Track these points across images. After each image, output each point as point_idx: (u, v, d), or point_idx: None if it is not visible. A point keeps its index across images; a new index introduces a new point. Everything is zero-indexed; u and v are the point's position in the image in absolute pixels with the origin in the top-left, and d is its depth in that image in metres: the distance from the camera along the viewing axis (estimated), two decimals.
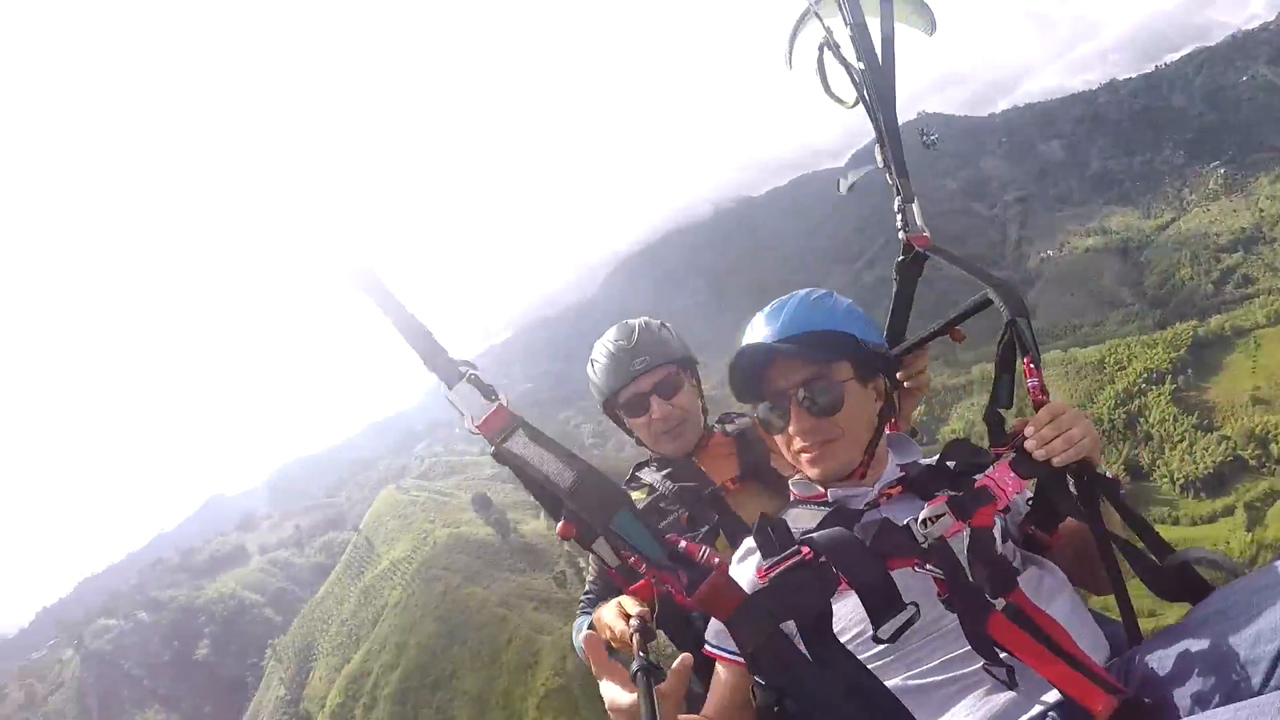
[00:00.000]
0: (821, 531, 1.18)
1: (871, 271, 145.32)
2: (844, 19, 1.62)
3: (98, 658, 72.76)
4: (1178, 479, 61.66)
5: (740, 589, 1.04)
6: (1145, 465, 64.53)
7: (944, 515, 1.14)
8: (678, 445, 1.92)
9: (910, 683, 1.17)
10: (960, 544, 1.14)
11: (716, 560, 1.04)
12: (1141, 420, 68.16)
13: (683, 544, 1.04)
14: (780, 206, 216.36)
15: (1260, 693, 0.95)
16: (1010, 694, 1.11)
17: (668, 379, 1.91)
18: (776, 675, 1.02)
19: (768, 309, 1.45)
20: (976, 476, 1.20)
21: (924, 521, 1.14)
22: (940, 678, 1.16)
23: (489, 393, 1.10)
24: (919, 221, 1.52)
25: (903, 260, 1.53)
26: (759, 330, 1.42)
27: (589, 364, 2.00)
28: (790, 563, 1.11)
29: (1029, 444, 1.17)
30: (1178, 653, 1.06)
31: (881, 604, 1.07)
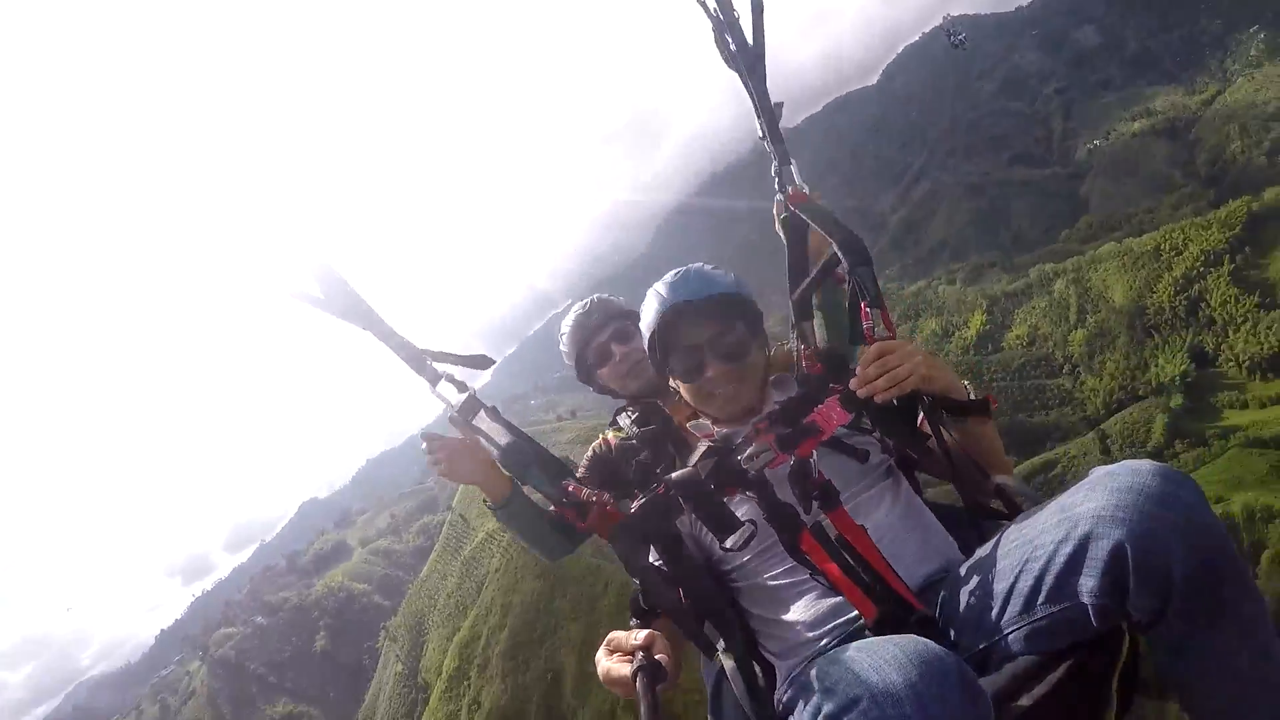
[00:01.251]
0: (678, 472, 1.50)
1: (919, 186, 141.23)
2: None
3: (223, 664, 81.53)
4: (1243, 361, 61.20)
5: (613, 519, 1.49)
6: (1210, 350, 64.07)
7: (766, 450, 1.45)
8: (642, 383, 2.27)
9: (765, 583, 1.53)
10: (784, 472, 1.44)
11: (595, 499, 1.51)
12: (1203, 305, 66.59)
13: (571, 488, 1.53)
14: (818, 134, 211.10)
15: (998, 623, 1.21)
16: (837, 598, 1.39)
17: (622, 328, 2.31)
18: (634, 573, 1.47)
19: (669, 279, 1.75)
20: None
21: (749, 456, 1.45)
22: (784, 581, 1.50)
23: (461, 386, 1.65)
24: (797, 180, 1.69)
25: (784, 218, 1.74)
26: (668, 294, 1.71)
27: (560, 345, 2.43)
28: (649, 497, 1.47)
29: (852, 383, 1.40)
30: (967, 574, 1.33)
31: (717, 525, 1.40)
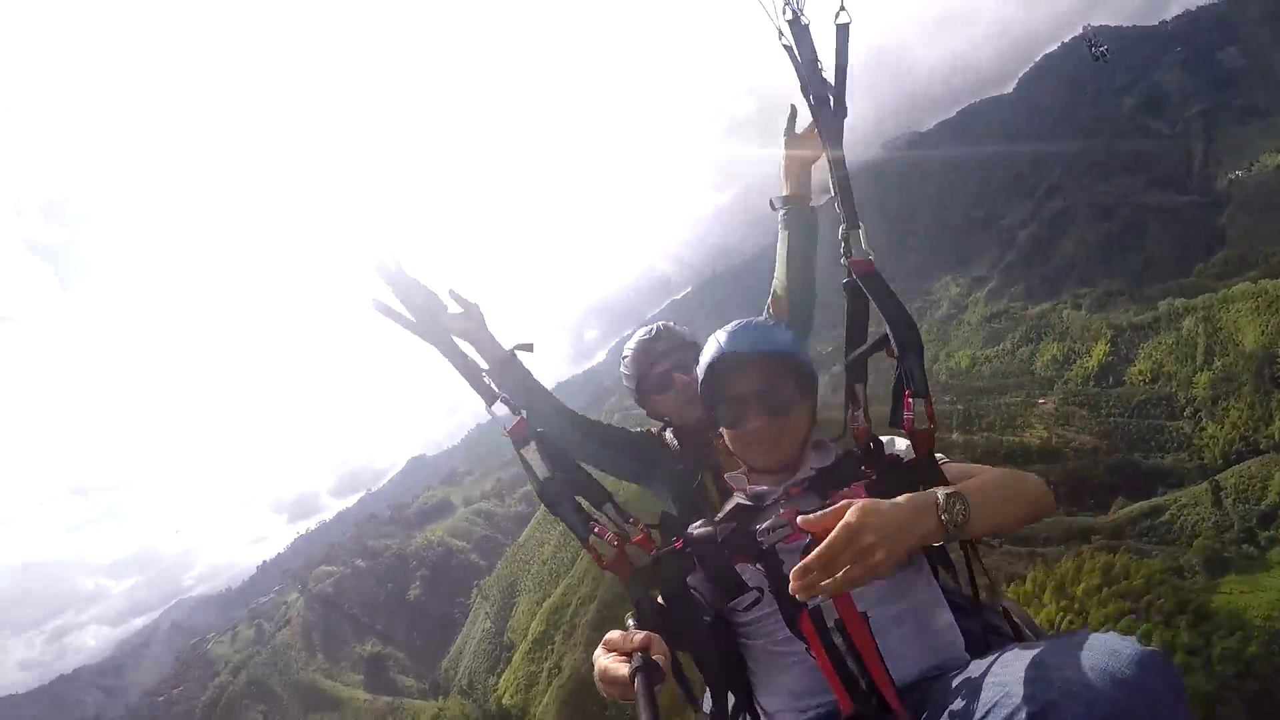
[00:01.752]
0: (699, 528, 1.71)
1: (1051, 203, 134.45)
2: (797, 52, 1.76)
3: (320, 599, 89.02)
4: None
5: (631, 564, 1.61)
6: None
7: (784, 526, 1.56)
8: (697, 414, 2.27)
9: (767, 645, 1.66)
10: (799, 547, 1.49)
11: (616, 542, 1.61)
12: None
13: (598, 530, 1.62)
14: (951, 139, 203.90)
15: None
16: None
17: (684, 359, 2.42)
18: (645, 620, 1.53)
19: (731, 329, 1.87)
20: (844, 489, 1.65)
21: (766, 530, 1.58)
22: (784, 649, 1.61)
23: (515, 410, 1.77)
24: (864, 246, 1.70)
25: (847, 283, 1.74)
26: (725, 344, 1.82)
27: (621, 367, 2.58)
28: (667, 550, 1.65)
29: (792, 574, 1.24)
30: (955, 689, 1.36)
31: (724, 587, 1.61)
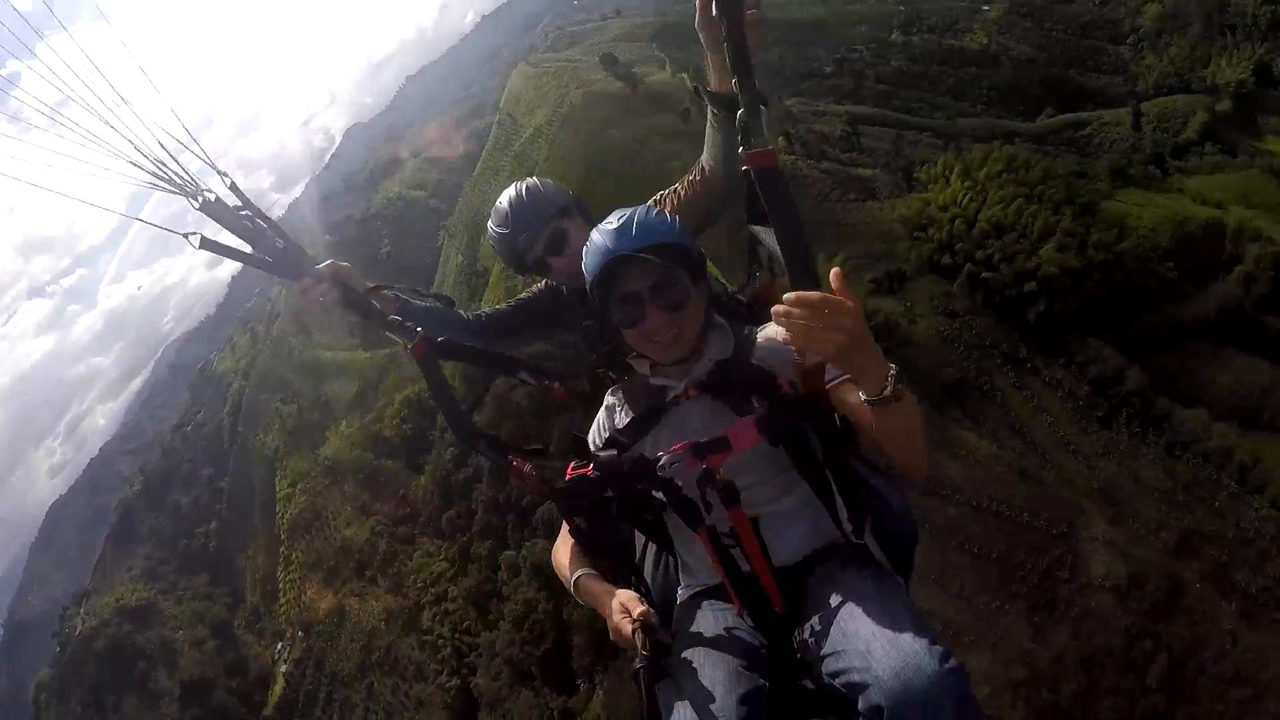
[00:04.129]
0: (604, 453, 2.18)
1: None
2: None
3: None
4: None
5: (551, 486, 2.23)
6: (1276, 73, 66.39)
7: (679, 460, 1.99)
8: (584, 280, 2.55)
9: (678, 526, 2.18)
10: (695, 474, 2.00)
11: (527, 468, 2.24)
12: None
13: (515, 463, 2.27)
14: None
15: (817, 660, 1.90)
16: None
17: (554, 236, 2.77)
18: (574, 523, 2.29)
19: (613, 224, 2.10)
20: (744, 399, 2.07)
21: (665, 465, 2.00)
22: (699, 549, 2.15)
23: (411, 331, 2.31)
24: (765, 133, 1.76)
25: (743, 173, 1.83)
26: (610, 244, 2.06)
27: (491, 242, 2.96)
28: (580, 473, 2.11)
29: (775, 309, 1.69)
30: (827, 610, 1.95)
31: (630, 505, 2.14)
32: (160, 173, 1.96)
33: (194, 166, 2.04)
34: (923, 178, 46.19)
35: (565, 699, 38.28)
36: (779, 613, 2.09)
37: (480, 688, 43.34)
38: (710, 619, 2.16)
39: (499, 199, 2.91)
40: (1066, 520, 31.03)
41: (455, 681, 45.71)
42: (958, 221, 41.15)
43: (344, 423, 67.74)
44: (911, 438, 1.93)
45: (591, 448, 2.35)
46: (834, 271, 1.69)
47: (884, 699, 1.63)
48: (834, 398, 2.02)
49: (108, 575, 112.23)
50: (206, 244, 2.11)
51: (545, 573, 40.24)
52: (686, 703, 1.87)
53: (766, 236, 1.99)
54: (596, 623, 40.36)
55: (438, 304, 2.95)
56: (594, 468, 2.12)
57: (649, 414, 2.21)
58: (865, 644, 1.76)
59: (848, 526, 2.10)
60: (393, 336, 2.40)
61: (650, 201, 2.81)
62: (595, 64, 75.43)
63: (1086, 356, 38.36)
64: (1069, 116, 67.47)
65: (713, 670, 1.94)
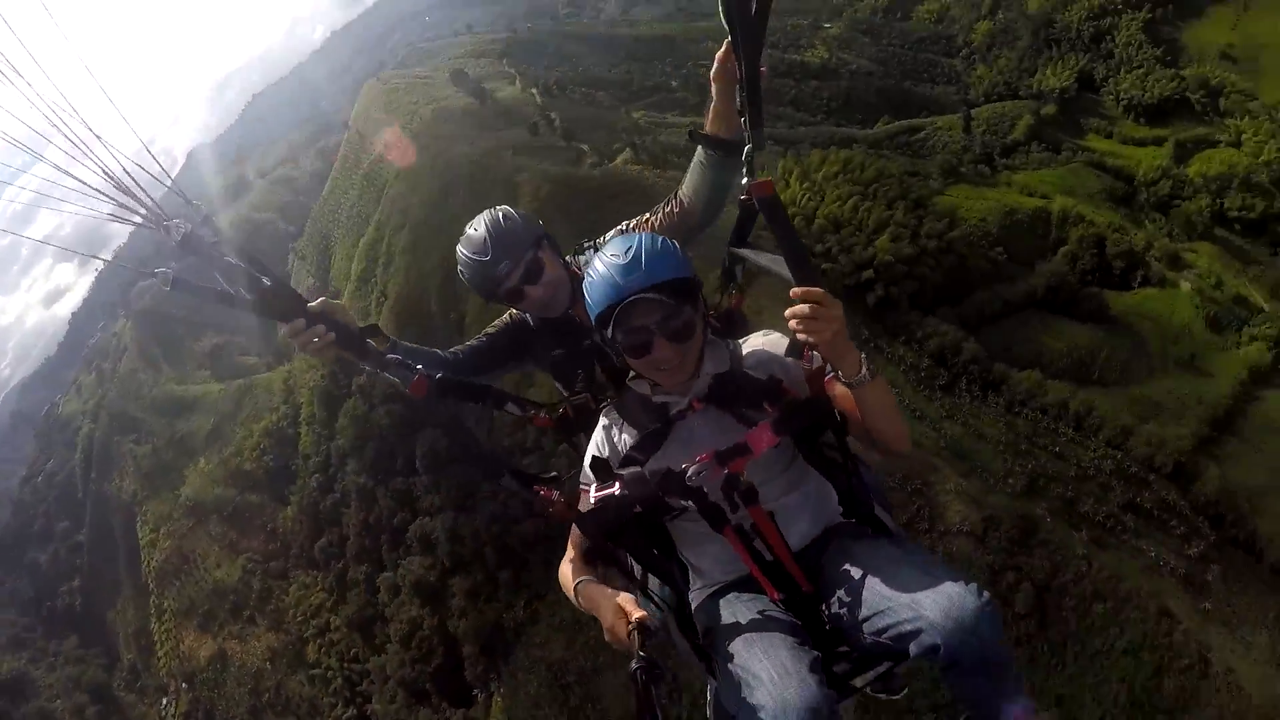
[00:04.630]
0: (628, 471, 2.27)
1: None
2: None
3: (147, 315, 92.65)
4: (1123, 100, 73.73)
5: (578, 512, 2.36)
6: (1098, 80, 76.80)
7: (706, 470, 2.20)
8: (558, 308, 2.94)
9: (695, 530, 2.37)
10: (719, 480, 2.22)
11: (555, 495, 2.49)
12: (1108, 38, 77.32)
13: (543, 492, 2.49)
14: None
15: (857, 625, 2.16)
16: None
17: (530, 266, 2.84)
18: (593, 542, 2.43)
19: (621, 258, 2.22)
20: (750, 414, 2.33)
21: (694, 475, 2.20)
22: (709, 532, 2.30)
23: (410, 369, 2.50)
24: (761, 170, 1.98)
25: (743, 200, 2.33)
26: (621, 280, 2.20)
27: (459, 270, 2.94)
28: (606, 493, 2.22)
29: (787, 313, 2.05)
30: (845, 574, 2.26)
31: (656, 511, 2.25)
32: (132, 206, 1.90)
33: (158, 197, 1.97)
34: (765, 175, 48.69)
35: (464, 711, 38.84)
36: (806, 592, 2.34)
37: (377, 714, 43.14)
38: (741, 609, 2.36)
39: (472, 225, 2.91)
40: (920, 478, 33.27)
41: (351, 712, 45.26)
42: (797, 219, 43.50)
43: (202, 460, 65.28)
44: (891, 411, 2.29)
45: (589, 469, 2.42)
46: (819, 291, 2.06)
47: (941, 637, 1.94)
48: (828, 394, 2.30)
49: None
50: (179, 284, 2.03)
51: (425, 590, 40.56)
52: (764, 684, 2.02)
53: (752, 255, 2.53)
54: (483, 632, 41.79)
55: (420, 346, 2.98)
56: (621, 486, 2.23)
57: (658, 430, 2.38)
58: (911, 597, 2.02)
59: (859, 506, 2.41)
60: (389, 377, 2.51)
61: (620, 228, 3.02)
62: (445, 80, 75.45)
63: (925, 332, 41.58)
64: (904, 123, 73.15)
65: (773, 651, 2.11)
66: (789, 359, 2.34)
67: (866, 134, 70.71)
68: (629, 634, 2.11)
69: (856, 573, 2.24)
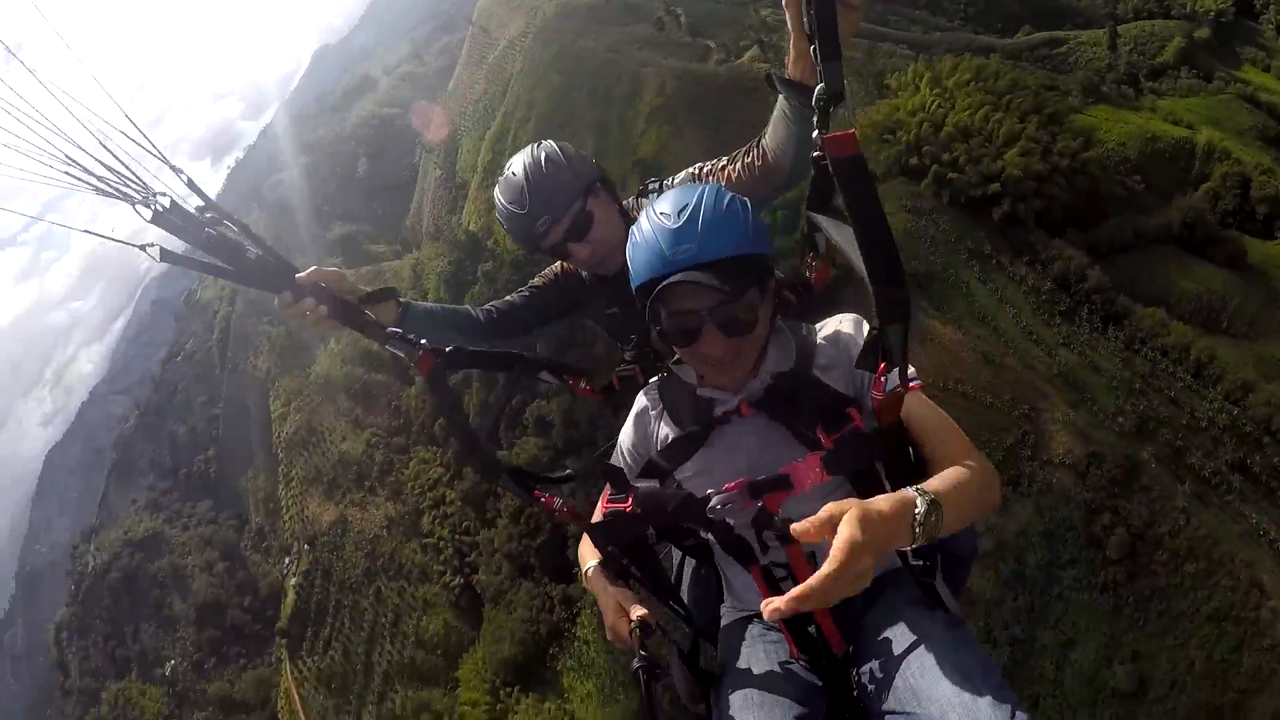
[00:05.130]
0: (645, 485, 2.00)
1: None
2: None
3: (279, 207, 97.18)
4: None
5: (584, 521, 2.07)
6: (1258, 5, 68.72)
7: (733, 503, 1.84)
8: (613, 265, 2.54)
9: (732, 574, 2.15)
10: (750, 514, 1.87)
11: (556, 503, 2.05)
12: None
13: (543, 499, 2.05)
14: None
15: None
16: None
17: (576, 222, 2.47)
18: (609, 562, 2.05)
19: (673, 221, 1.76)
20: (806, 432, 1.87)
21: (716, 508, 1.85)
22: (743, 575, 2.05)
23: (414, 344, 2.04)
24: (847, 114, 1.59)
25: (817, 159, 1.69)
26: (667, 250, 1.75)
27: (497, 216, 2.63)
28: (617, 509, 1.98)
29: (794, 528, 1.39)
30: (887, 658, 1.78)
31: (673, 538, 2.04)
32: (103, 179, 1.68)
33: (141, 162, 1.75)
34: (893, 85, 46.94)
35: (564, 586, 40.78)
36: (838, 653, 1.98)
37: (483, 584, 45.93)
38: (761, 653, 2.04)
39: (510, 166, 2.60)
40: (1028, 403, 32.51)
41: (459, 580, 48.42)
42: (925, 125, 41.85)
43: (333, 340, 68.64)
44: (967, 516, 1.67)
45: (621, 459, 2.19)
46: (819, 521, 1.38)
47: None
48: (912, 430, 1.79)
49: (113, 511, 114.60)
50: (168, 256, 1.84)
51: (538, 469, 42.32)
52: None
53: (829, 226, 1.83)
54: (588, 511, 42.82)
55: (445, 306, 2.67)
56: (634, 503, 1.97)
57: (695, 434, 2.00)
58: (940, 709, 1.61)
59: (915, 563, 1.89)
60: (394, 351, 2.10)
61: (691, 172, 2.59)
62: None
63: (1050, 255, 39.67)
64: (1045, 35, 67.94)
65: (768, 714, 1.87)
66: (859, 371, 1.80)
67: (1005, 43, 65.95)
68: (630, 632, 1.96)
69: (897, 647, 1.81)
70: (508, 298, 2.86)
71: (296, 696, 59.29)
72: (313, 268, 2.12)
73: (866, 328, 1.93)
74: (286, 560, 72.87)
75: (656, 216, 1.81)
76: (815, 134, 1.60)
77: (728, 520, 1.91)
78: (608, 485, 2.13)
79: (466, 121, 69.08)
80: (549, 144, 2.62)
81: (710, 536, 1.97)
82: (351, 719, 53.32)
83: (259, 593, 77.70)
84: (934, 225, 39.20)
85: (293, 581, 68.70)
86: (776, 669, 2.00)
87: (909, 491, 1.48)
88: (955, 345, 34.50)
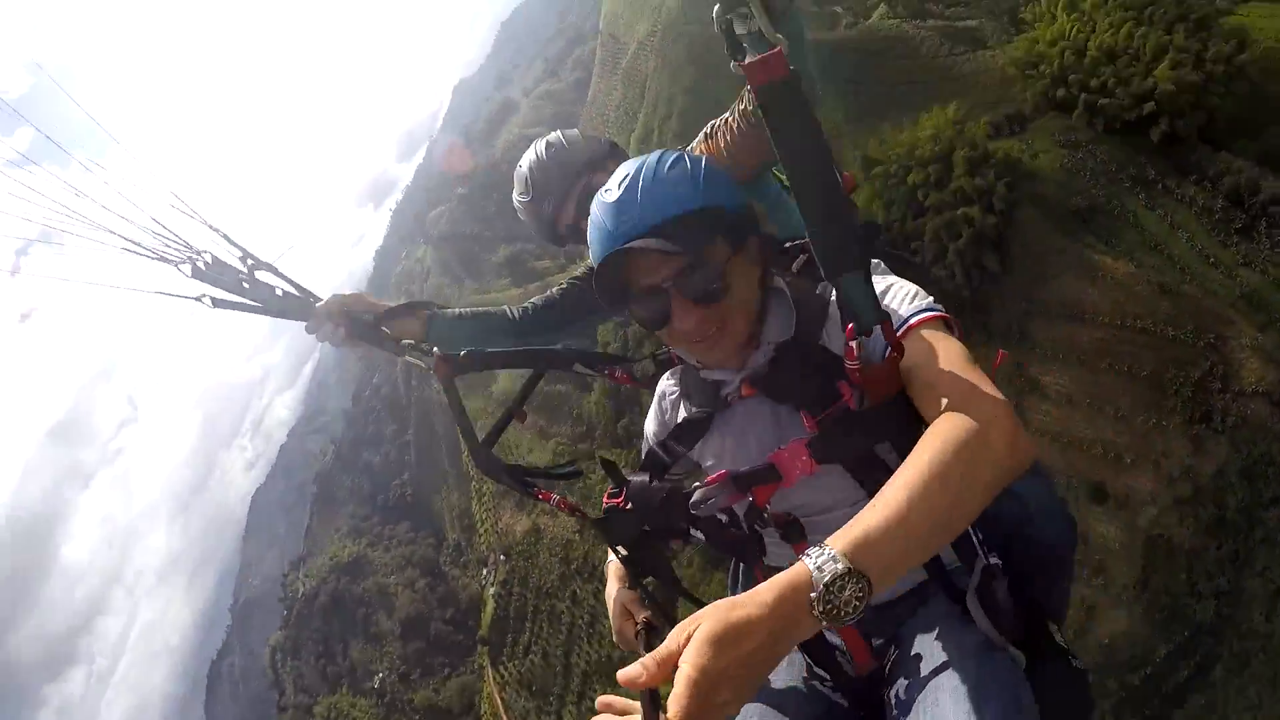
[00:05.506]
0: (636, 479, 1.85)
1: None
2: None
3: (444, 238, 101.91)
4: None
5: (584, 515, 2.00)
6: None
7: (712, 499, 1.67)
8: None
9: (748, 577, 2.00)
10: (744, 507, 1.69)
11: (554, 499, 2.05)
12: None
13: (542, 495, 2.06)
14: None
15: None
16: None
17: (582, 203, 2.43)
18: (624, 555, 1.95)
19: (613, 194, 1.56)
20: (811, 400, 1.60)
21: (699, 504, 1.69)
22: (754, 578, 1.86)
23: (427, 351, 2.21)
24: (769, 29, 1.28)
25: (749, 109, 1.64)
26: (611, 224, 1.55)
27: (516, 209, 2.66)
28: (613, 504, 1.85)
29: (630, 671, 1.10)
30: (913, 679, 1.53)
31: (664, 535, 1.85)
32: (154, 247, 1.91)
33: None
34: (1028, 18, 44.44)
35: None
36: (862, 669, 1.75)
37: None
38: (783, 664, 1.73)
39: (519, 163, 2.60)
40: (1213, 331, 30.27)
41: (649, 578, 49.38)
42: (1067, 53, 39.28)
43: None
44: (948, 520, 1.26)
45: (646, 449, 2.06)
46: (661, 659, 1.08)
47: None
48: (910, 389, 1.51)
49: (318, 540, 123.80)
50: (220, 304, 2.04)
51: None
52: None
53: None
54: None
55: (476, 309, 2.64)
56: (625, 497, 1.83)
57: (697, 420, 1.83)
58: None
59: (949, 561, 1.66)
60: (414, 362, 2.33)
61: (700, 136, 2.36)
62: None
63: (1218, 170, 36.37)
64: None
65: None
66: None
67: None
68: (636, 634, 1.90)
69: (926, 667, 1.55)
70: (548, 293, 2.78)
71: (499, 700, 62.18)
72: (331, 295, 2.30)
73: (884, 279, 1.68)
74: (484, 571, 76.61)
75: (600, 195, 1.62)
76: (732, 63, 1.35)
77: (719, 516, 1.73)
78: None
79: (609, 128, 70.35)
80: (553, 133, 2.61)
81: (700, 535, 1.77)
82: (552, 719, 55.33)
83: (459, 604, 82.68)
84: (1091, 157, 36.82)
85: (491, 591, 72.09)
86: (798, 684, 1.82)
87: (803, 564, 1.10)
88: (1129, 279, 32.29)
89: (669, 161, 1.59)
